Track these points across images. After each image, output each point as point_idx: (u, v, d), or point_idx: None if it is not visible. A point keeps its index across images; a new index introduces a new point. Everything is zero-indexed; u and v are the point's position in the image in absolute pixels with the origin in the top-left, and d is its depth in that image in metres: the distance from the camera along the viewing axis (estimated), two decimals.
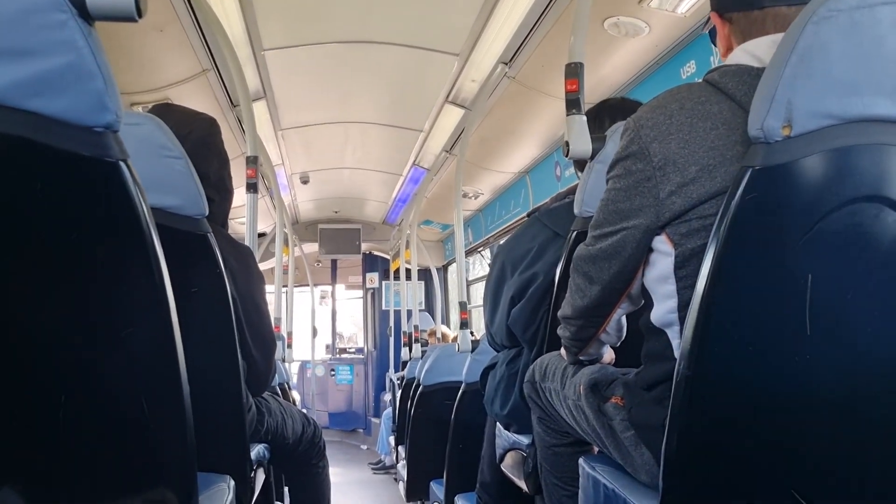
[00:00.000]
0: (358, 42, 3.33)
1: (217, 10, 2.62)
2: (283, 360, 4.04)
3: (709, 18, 1.12)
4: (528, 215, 1.94)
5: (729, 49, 1.04)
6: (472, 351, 2.97)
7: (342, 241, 7.62)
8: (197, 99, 3.26)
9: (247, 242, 2.38)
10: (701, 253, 0.91)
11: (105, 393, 0.83)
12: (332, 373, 8.91)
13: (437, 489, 3.24)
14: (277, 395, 2.37)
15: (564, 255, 1.55)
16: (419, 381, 3.55)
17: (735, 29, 1.03)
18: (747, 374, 0.88)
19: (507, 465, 1.90)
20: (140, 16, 0.77)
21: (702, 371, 0.88)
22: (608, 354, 1.37)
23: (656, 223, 1.00)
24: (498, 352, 1.99)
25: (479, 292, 6.51)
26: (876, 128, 0.85)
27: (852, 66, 0.84)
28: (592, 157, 1.56)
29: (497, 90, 3.46)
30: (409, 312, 5.59)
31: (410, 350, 5.12)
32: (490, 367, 2.03)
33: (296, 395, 4.57)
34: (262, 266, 2.44)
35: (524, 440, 1.75)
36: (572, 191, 1.74)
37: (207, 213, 1.31)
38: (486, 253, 6.55)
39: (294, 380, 8.06)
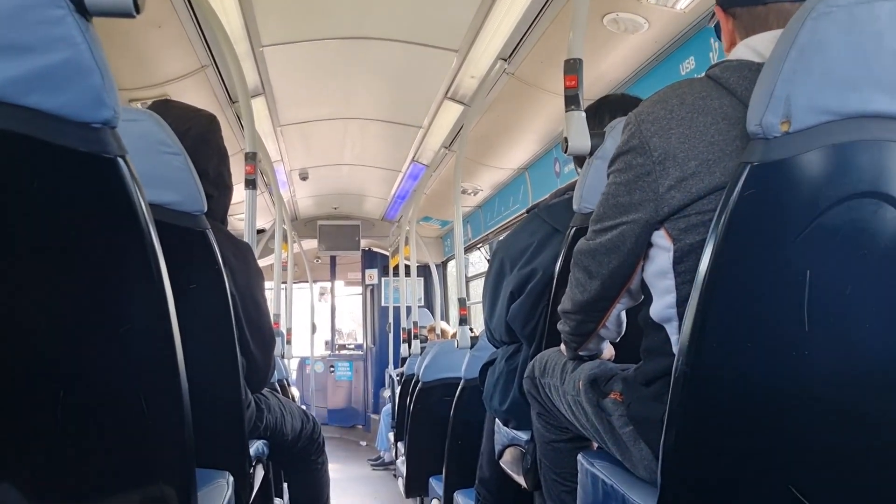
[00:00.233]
0: (357, 38, 3.33)
1: (215, 5, 2.62)
2: (283, 357, 4.05)
3: (713, 13, 1.12)
4: (528, 211, 1.95)
5: (732, 44, 1.05)
6: (472, 347, 2.98)
7: (341, 238, 7.62)
8: (195, 95, 3.25)
9: (246, 239, 2.37)
10: (700, 248, 0.91)
11: (103, 389, 0.83)
12: (332, 369, 8.92)
13: (437, 485, 3.24)
14: (277, 391, 2.38)
15: (563, 251, 1.55)
16: (418, 377, 3.56)
17: (738, 24, 1.03)
18: (746, 369, 0.88)
19: (506, 461, 1.90)
20: (138, 11, 0.77)
21: (700, 366, 0.88)
22: (608, 350, 1.37)
23: (655, 217, 1.00)
24: (497, 348, 1.99)
25: (478, 289, 6.51)
26: (874, 124, 0.85)
27: (851, 62, 0.84)
28: (591, 154, 1.56)
29: (496, 86, 3.46)
30: (409, 309, 5.59)
31: (410, 346, 5.12)
32: (489, 363, 2.04)
33: (295, 391, 4.57)
34: (262, 262, 2.44)
35: (523, 436, 1.75)
36: (571, 187, 1.74)
37: (206, 209, 1.31)
38: (486, 249, 6.55)
39: (293, 376, 8.06)
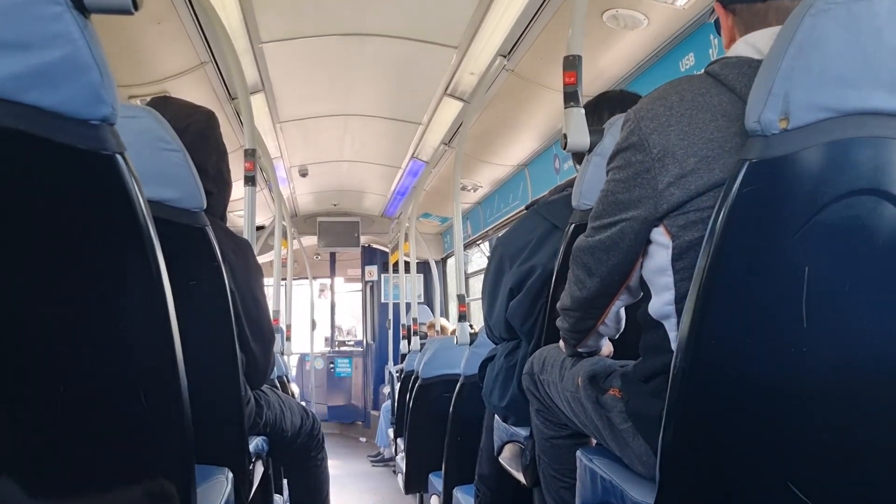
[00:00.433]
0: (356, 34, 3.33)
1: (214, 2, 2.62)
2: (282, 353, 4.05)
3: (713, 9, 1.11)
4: (527, 208, 1.94)
5: (732, 40, 1.04)
6: (471, 343, 2.98)
7: (341, 234, 7.62)
8: (195, 92, 3.25)
9: (245, 236, 2.37)
10: (698, 245, 0.91)
11: (103, 385, 0.83)
12: (331, 366, 8.92)
13: (436, 481, 3.25)
14: (276, 387, 2.38)
15: (562, 248, 1.55)
16: (418, 373, 3.56)
17: (738, 20, 1.03)
18: (744, 365, 0.88)
19: (506, 458, 1.91)
20: (136, 8, 0.76)
21: (698, 363, 0.88)
22: (607, 347, 1.37)
23: (654, 214, 1.00)
24: (496, 344, 1.99)
25: (477, 285, 6.51)
26: (873, 121, 0.85)
27: (850, 59, 0.84)
28: (590, 150, 1.56)
29: (496, 83, 3.46)
30: (408, 305, 5.59)
31: (409, 343, 5.13)
32: (488, 360, 2.04)
33: (294, 387, 4.58)
34: (261, 259, 2.44)
35: (522, 432, 1.76)
36: (571, 183, 1.74)
37: (205, 205, 1.31)
38: (485, 246, 6.56)
39: (293, 373, 8.07)
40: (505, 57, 3.20)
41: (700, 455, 0.92)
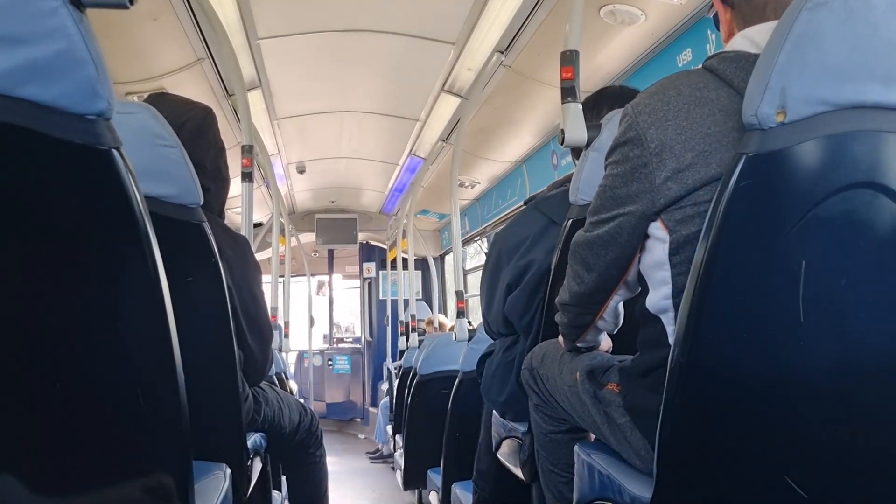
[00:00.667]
0: (353, 31, 3.32)
1: None
2: (280, 350, 4.05)
3: (712, 3, 1.11)
4: (525, 203, 1.94)
5: (730, 35, 1.04)
6: (469, 340, 2.98)
7: (339, 231, 7.62)
8: (192, 88, 3.24)
9: (243, 232, 2.37)
10: (695, 239, 0.91)
11: (100, 382, 0.83)
12: (330, 362, 8.92)
13: (435, 477, 3.26)
14: (274, 384, 2.38)
15: (560, 243, 1.55)
16: (416, 370, 3.56)
17: (737, 14, 1.03)
18: (741, 360, 0.88)
19: (504, 453, 1.91)
20: (132, 3, 0.76)
21: (695, 357, 0.88)
22: (605, 342, 1.37)
23: (652, 209, 1.00)
24: (494, 340, 1.99)
25: (475, 281, 6.52)
26: (870, 114, 0.85)
27: (846, 53, 0.84)
28: (588, 145, 1.56)
29: (493, 79, 3.45)
30: (406, 302, 5.60)
31: (407, 339, 5.13)
32: (487, 355, 2.04)
33: (293, 384, 4.58)
34: (259, 256, 2.43)
35: (520, 428, 1.76)
36: (568, 179, 1.74)
37: (203, 202, 1.31)
38: (484, 242, 6.56)
39: (292, 370, 8.07)
40: (502, 53, 3.20)
41: (697, 449, 0.93)
